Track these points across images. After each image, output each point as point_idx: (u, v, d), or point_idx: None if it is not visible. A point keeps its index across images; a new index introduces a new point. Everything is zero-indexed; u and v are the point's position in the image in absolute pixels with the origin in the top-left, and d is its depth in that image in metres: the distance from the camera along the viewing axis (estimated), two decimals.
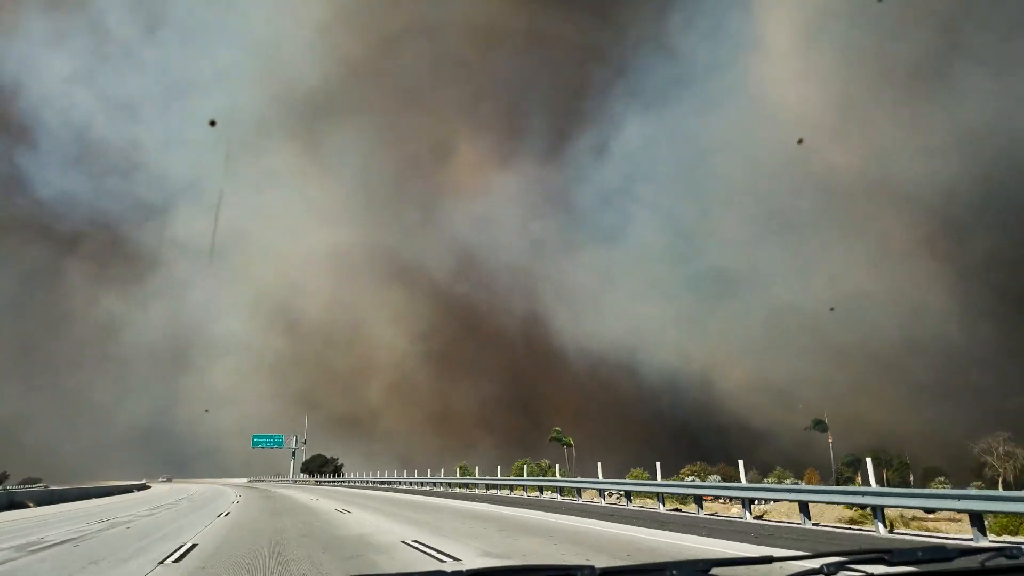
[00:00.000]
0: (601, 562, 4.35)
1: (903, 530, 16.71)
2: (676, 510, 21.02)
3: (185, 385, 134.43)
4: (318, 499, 30.86)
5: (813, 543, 11.32)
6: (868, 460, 15.78)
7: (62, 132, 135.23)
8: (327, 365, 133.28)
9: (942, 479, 68.03)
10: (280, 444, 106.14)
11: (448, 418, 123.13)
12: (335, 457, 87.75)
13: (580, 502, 25.37)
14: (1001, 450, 71.42)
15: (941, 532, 16.82)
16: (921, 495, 14.14)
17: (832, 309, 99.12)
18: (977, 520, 11.12)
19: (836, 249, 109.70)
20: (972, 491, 11.81)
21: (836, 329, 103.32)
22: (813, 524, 15.22)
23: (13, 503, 29.17)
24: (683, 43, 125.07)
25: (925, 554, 2.12)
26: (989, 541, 11.50)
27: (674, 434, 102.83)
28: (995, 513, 14.63)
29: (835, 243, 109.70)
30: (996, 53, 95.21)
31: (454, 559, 8.90)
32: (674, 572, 2.00)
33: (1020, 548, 2.16)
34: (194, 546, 11.39)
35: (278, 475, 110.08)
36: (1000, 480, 69.97)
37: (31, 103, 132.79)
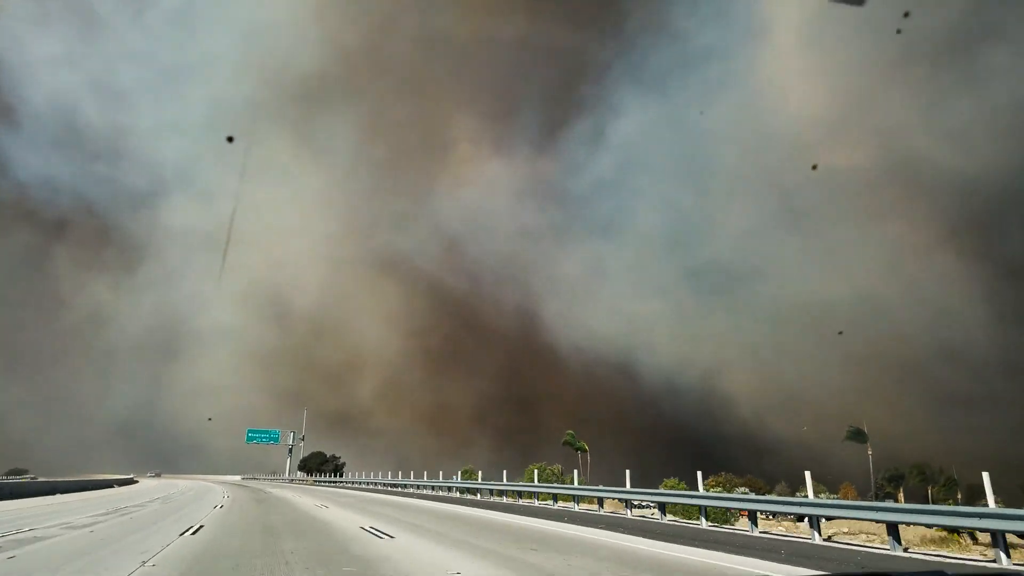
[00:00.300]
0: None
1: None
2: (715, 526, 18.88)
3: (174, 377, 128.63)
4: (326, 507, 24.28)
5: None
6: (985, 476, 12.05)
7: (46, 114, 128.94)
8: (318, 359, 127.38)
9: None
10: (276, 440, 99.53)
11: (442, 415, 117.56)
12: (336, 455, 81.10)
13: (603, 512, 22.88)
14: None
15: None
16: None
17: (840, 333, 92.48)
18: None
19: (851, 244, 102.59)
20: None
21: (854, 331, 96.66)
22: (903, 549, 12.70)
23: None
24: (687, 26, 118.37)
25: None
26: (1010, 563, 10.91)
27: (677, 440, 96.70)
28: None
29: (850, 237, 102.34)
30: None
31: None
32: None
33: (1019, 574, 3.55)
34: None
35: (274, 473, 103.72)
36: None
37: (13, 82, 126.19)
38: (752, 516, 16.96)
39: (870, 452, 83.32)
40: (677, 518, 21.43)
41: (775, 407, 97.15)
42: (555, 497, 27.25)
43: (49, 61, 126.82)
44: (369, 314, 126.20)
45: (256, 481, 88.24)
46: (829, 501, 15.89)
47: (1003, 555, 10.95)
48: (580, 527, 16.19)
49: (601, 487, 24.65)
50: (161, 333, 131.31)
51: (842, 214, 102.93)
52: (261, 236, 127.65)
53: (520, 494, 31.34)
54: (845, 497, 64.12)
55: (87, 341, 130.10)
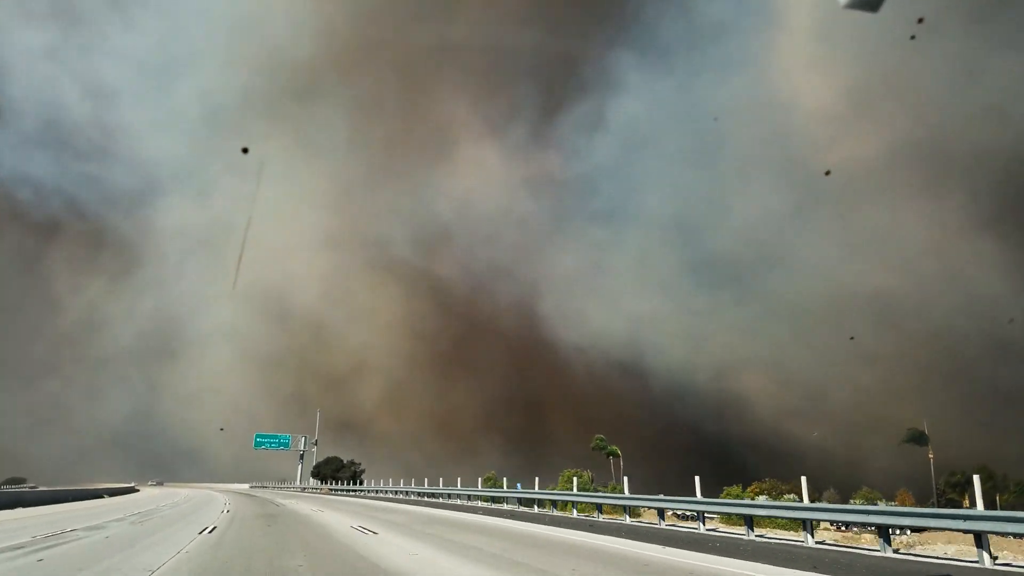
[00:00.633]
0: None
1: None
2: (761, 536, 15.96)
3: (172, 382, 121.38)
4: (369, 531, 16.44)
5: None
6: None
7: (30, 111, 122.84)
8: (318, 362, 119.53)
9: None
10: (287, 445, 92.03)
11: (446, 419, 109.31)
12: (355, 461, 73.43)
13: (663, 526, 19.85)
14: None
15: None
16: None
17: (852, 338, 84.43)
18: None
19: (880, 230, 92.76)
20: None
21: (886, 324, 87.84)
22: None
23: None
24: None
25: None
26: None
27: (693, 444, 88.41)
28: None
29: (879, 223, 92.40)
30: None
31: None
32: None
33: None
34: None
35: (283, 481, 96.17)
36: None
37: None
38: (889, 532, 13.38)
39: (931, 455, 75.32)
40: (763, 532, 17.78)
41: (796, 408, 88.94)
42: (599, 507, 24.40)
43: (32, 56, 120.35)
44: (370, 315, 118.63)
45: (265, 490, 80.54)
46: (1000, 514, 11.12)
47: None
48: (685, 552, 12.16)
49: (663, 496, 21.12)
50: (158, 337, 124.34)
51: (870, 197, 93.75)
52: (258, 234, 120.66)
53: (555, 504, 28.73)
54: (903, 504, 55.95)
55: (81, 346, 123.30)
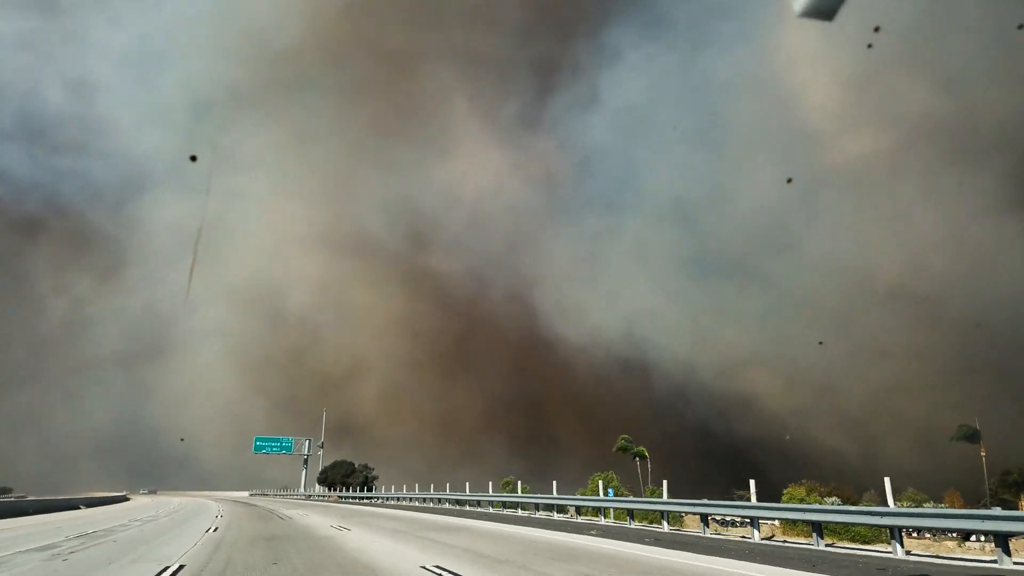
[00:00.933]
0: None
1: None
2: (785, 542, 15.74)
3: (161, 387, 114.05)
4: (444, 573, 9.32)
5: None
6: None
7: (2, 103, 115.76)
8: (313, 363, 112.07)
9: None
10: (289, 449, 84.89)
11: (446, 422, 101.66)
12: (367, 465, 65.81)
13: (711, 535, 17.48)
14: None
15: None
16: None
17: (821, 343, 78.92)
18: None
19: (901, 213, 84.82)
20: None
21: (907, 315, 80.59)
22: None
23: None
24: None
25: None
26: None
27: (703, 445, 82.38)
28: None
29: (900, 206, 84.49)
30: None
31: None
32: None
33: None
34: None
35: (286, 488, 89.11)
36: None
37: None
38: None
39: (983, 453, 68.36)
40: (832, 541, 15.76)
41: (805, 406, 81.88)
42: (631, 513, 22.21)
43: (6, 45, 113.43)
44: (364, 313, 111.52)
45: (266, 498, 73.39)
46: None
47: None
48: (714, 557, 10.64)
49: (708, 501, 19.08)
50: (145, 338, 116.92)
51: (886, 179, 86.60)
52: (249, 229, 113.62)
53: (579, 510, 27.24)
54: (952, 506, 49.03)
55: (64, 349, 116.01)
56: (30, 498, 47.99)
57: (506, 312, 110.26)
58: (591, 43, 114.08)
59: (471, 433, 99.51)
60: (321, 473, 70.33)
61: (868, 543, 15.95)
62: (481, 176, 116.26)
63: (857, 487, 46.46)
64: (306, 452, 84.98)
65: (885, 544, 14.10)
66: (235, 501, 56.88)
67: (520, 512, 29.31)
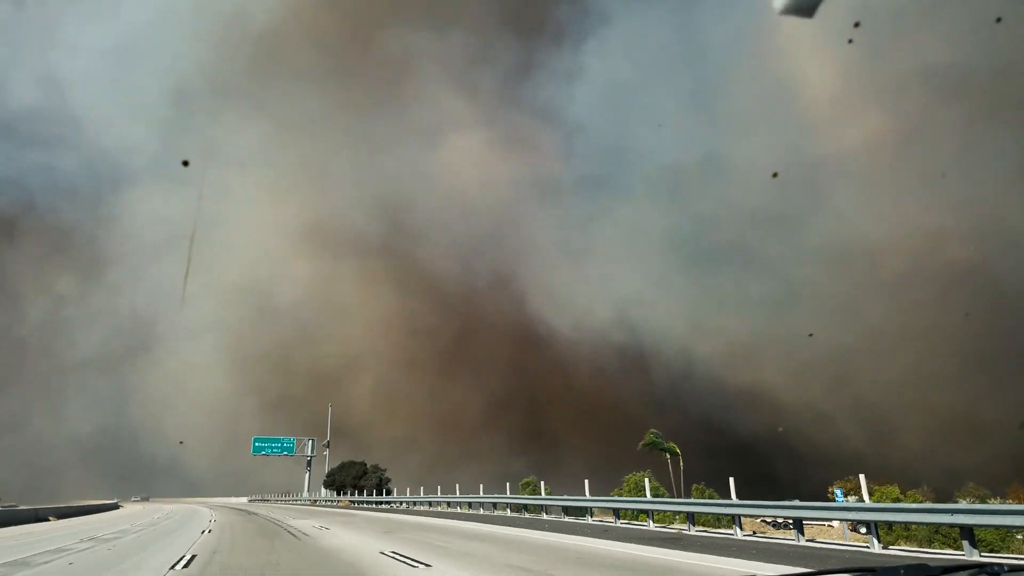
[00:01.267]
0: None
1: None
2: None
3: (148, 390, 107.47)
4: None
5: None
6: None
7: None
8: (303, 362, 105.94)
9: None
10: (291, 450, 77.83)
11: (446, 420, 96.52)
12: (379, 466, 58.25)
13: (788, 540, 15.34)
14: None
15: None
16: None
17: (811, 335, 74.15)
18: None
19: (923, 182, 77.65)
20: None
21: (935, 298, 73.84)
22: None
23: None
24: None
25: (908, 571, 2.12)
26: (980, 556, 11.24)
27: (712, 442, 76.54)
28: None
29: (922, 171, 77.32)
30: None
31: None
32: None
33: (1001, 565, 2.15)
34: None
35: (287, 493, 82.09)
36: None
37: None
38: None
39: None
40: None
41: (815, 401, 75.66)
42: (650, 514, 20.16)
43: None
44: (355, 309, 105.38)
45: (267, 504, 66.30)
46: None
47: None
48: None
49: (800, 503, 15.49)
50: (128, 340, 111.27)
51: (907, 145, 79.35)
52: (232, 226, 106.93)
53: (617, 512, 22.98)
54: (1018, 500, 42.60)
55: (42, 353, 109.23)
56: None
57: (497, 307, 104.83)
58: (576, 6, 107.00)
59: (468, 432, 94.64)
60: (328, 475, 63.10)
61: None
62: (466, 159, 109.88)
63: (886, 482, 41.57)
64: (309, 453, 77.92)
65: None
66: (232, 509, 49.91)
67: (545, 516, 26.88)
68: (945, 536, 23.11)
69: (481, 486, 33.86)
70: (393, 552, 11.86)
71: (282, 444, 77.47)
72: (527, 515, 28.27)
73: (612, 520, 22.01)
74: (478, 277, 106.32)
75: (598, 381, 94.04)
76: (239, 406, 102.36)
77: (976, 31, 64.48)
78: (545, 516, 26.75)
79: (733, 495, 16.98)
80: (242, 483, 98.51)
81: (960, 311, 68.28)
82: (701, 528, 19.09)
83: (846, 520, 17.46)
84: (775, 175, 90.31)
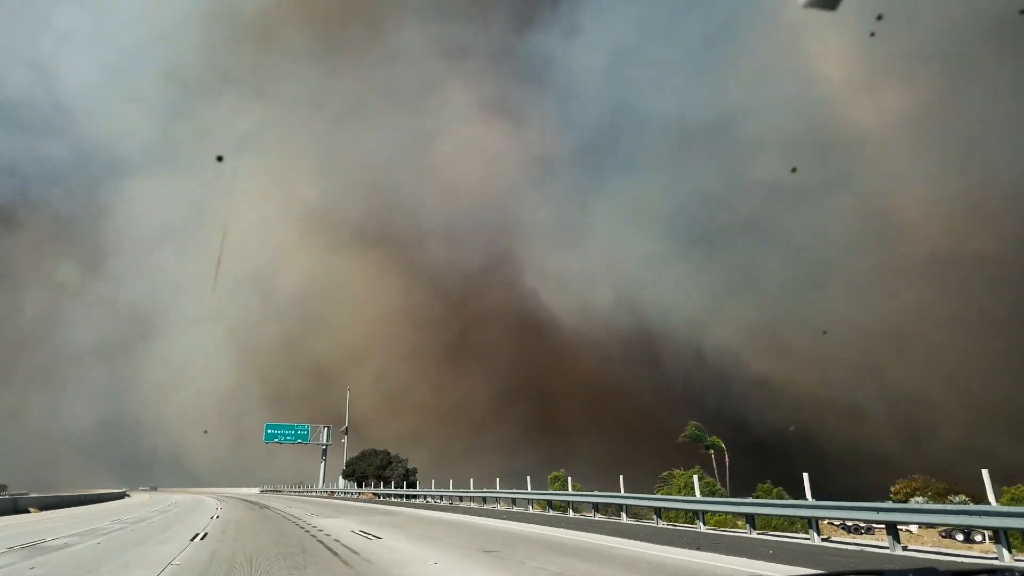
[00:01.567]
0: None
1: None
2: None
3: (155, 378, 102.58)
4: None
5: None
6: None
7: None
8: (304, 352, 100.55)
9: None
10: (305, 438, 72.37)
11: (450, 413, 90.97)
12: (400, 456, 52.20)
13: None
14: None
15: None
16: None
17: (825, 332, 68.51)
18: None
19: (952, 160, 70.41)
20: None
21: (956, 279, 66.87)
22: None
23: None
24: None
25: (916, 574, 2.08)
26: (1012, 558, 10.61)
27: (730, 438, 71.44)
28: None
29: (967, 140, 68.70)
30: None
31: None
32: None
33: (1012, 569, 2.16)
34: None
35: (300, 484, 76.87)
36: None
37: None
38: None
39: None
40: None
41: (832, 398, 69.04)
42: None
43: None
44: (352, 295, 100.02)
45: (279, 496, 60.98)
46: None
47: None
48: None
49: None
50: (129, 329, 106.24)
51: (945, 109, 71.12)
52: (236, 213, 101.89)
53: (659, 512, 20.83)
54: None
55: (42, 343, 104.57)
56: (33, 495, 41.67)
57: (497, 293, 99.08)
58: None
59: (475, 425, 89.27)
60: (347, 465, 57.34)
61: None
62: (461, 132, 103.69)
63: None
64: (324, 441, 72.47)
65: None
66: (243, 502, 44.53)
67: (571, 513, 25.14)
68: None
69: (498, 480, 30.34)
70: None
71: (296, 431, 72.05)
72: (552, 513, 25.95)
73: (655, 521, 20.27)
74: (477, 263, 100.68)
75: (606, 370, 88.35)
76: (243, 396, 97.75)
77: None
78: (571, 514, 24.72)
79: (808, 495, 14.69)
80: (249, 474, 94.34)
81: (1006, 293, 62.01)
82: (761, 532, 16.77)
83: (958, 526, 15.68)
84: (794, 170, 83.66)
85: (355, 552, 10.69)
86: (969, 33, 65.04)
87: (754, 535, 15.54)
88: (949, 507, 13.31)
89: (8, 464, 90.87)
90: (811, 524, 14.15)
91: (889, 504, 15.07)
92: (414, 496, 43.21)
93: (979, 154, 66.39)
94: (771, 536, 15.72)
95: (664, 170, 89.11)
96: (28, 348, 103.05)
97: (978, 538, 19.72)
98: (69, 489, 64.70)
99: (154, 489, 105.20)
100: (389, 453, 52.71)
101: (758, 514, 16.78)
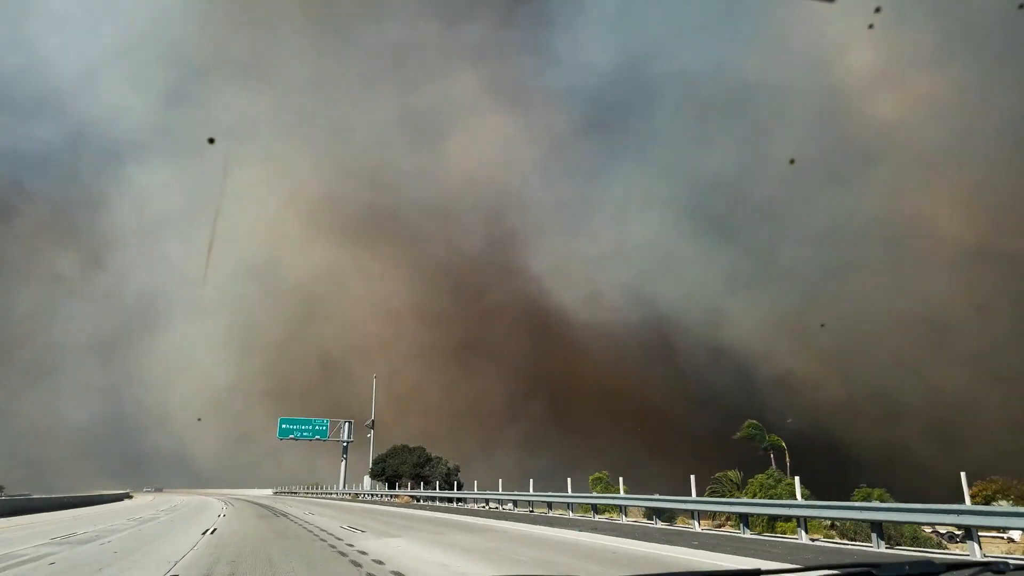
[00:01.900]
0: None
1: None
2: None
3: (152, 375, 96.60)
4: None
5: None
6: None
7: None
8: (313, 347, 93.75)
9: None
10: (324, 435, 65.07)
11: (462, 411, 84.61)
12: (441, 458, 43.87)
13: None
14: None
15: None
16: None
17: (823, 325, 64.26)
18: None
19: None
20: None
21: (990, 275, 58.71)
22: None
23: None
24: None
25: (913, 568, 2.07)
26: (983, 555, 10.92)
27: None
28: None
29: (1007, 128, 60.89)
30: None
31: None
32: None
33: (1006, 562, 2.10)
34: None
35: (316, 486, 69.81)
36: None
37: None
38: None
39: None
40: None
41: (849, 400, 62.25)
42: (747, 519, 16.83)
43: None
44: (362, 292, 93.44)
45: (295, 498, 53.74)
46: None
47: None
48: None
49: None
50: (128, 326, 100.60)
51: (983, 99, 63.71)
52: (233, 200, 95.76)
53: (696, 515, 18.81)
54: None
55: (36, 340, 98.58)
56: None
57: (505, 286, 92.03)
58: None
59: (488, 423, 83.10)
60: (376, 462, 49.28)
61: None
62: (467, 122, 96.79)
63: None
64: (345, 438, 65.09)
65: None
66: (253, 504, 37.33)
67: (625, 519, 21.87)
68: None
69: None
70: None
71: (313, 427, 64.75)
72: (597, 518, 23.21)
73: (742, 529, 16.74)
74: (483, 253, 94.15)
75: (620, 364, 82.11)
76: (247, 391, 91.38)
77: None
78: (624, 519, 22.08)
79: (968, 497, 12.45)
80: (258, 474, 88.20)
81: None
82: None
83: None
84: (792, 161, 76.67)
85: None
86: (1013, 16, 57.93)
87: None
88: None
89: (8, 464, 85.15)
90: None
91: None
92: (459, 499, 35.61)
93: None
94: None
95: (684, 144, 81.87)
96: (19, 343, 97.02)
97: None
98: (66, 491, 59.08)
99: (159, 490, 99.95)
100: (425, 450, 44.87)
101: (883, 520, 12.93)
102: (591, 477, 33.17)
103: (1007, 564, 2.04)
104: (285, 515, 24.23)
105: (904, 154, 68.29)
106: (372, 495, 47.52)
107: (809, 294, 70.75)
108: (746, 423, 47.89)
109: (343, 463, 63.22)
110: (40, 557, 10.74)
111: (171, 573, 8.63)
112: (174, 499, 53.87)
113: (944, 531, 29.95)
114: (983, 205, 63.02)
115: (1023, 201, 60.39)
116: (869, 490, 28.95)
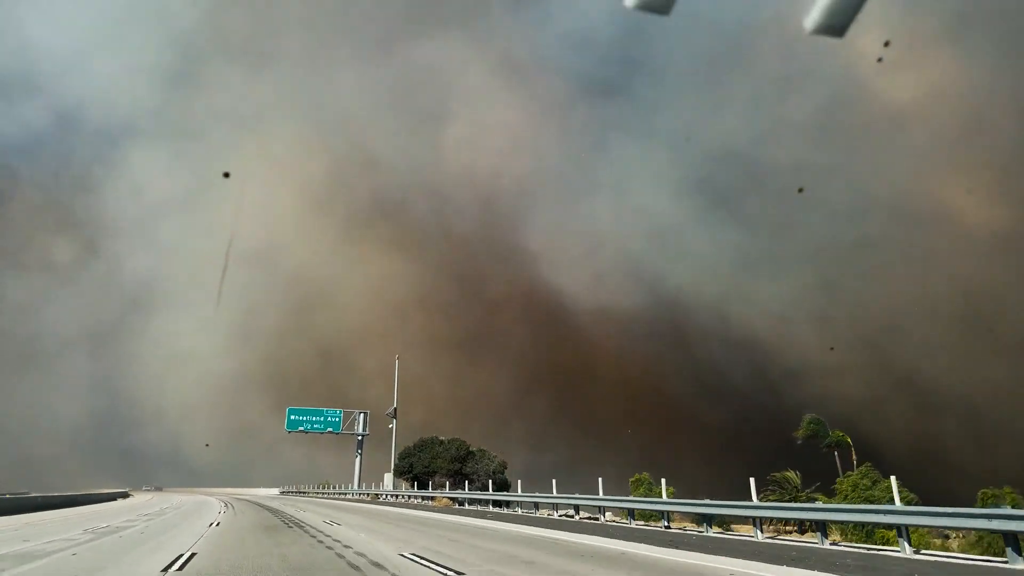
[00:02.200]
0: None
1: None
2: None
3: (146, 370, 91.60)
4: None
5: None
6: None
7: None
8: (314, 341, 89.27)
9: None
10: (336, 427, 58.96)
11: (454, 410, 78.70)
12: (485, 451, 37.42)
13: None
14: None
15: None
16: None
17: (832, 349, 61.82)
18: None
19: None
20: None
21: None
22: None
23: None
24: None
25: None
26: None
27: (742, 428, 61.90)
28: None
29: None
30: None
31: None
32: None
33: None
34: None
35: (327, 484, 64.00)
36: None
37: None
38: None
39: None
40: None
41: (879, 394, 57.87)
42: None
43: None
44: (360, 284, 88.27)
45: (306, 500, 47.75)
46: None
47: None
48: None
49: None
50: (121, 313, 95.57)
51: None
52: (232, 189, 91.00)
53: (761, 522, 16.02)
54: None
55: (24, 334, 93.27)
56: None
57: (509, 275, 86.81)
58: None
59: (494, 417, 77.72)
60: (403, 458, 42.50)
61: None
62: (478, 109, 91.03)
63: None
64: (360, 431, 58.98)
65: None
66: (257, 506, 31.44)
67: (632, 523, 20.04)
68: None
69: (554, 481, 24.25)
70: None
71: (325, 418, 58.66)
72: (634, 523, 20.11)
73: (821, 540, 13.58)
74: (485, 245, 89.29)
75: (631, 357, 77.90)
76: (247, 385, 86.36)
77: None
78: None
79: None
80: (259, 471, 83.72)
81: None
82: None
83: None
84: (800, 191, 71.90)
85: None
86: None
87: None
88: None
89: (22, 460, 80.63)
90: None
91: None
92: (507, 503, 29.35)
93: None
94: None
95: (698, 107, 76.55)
96: (7, 334, 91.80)
97: None
98: (63, 489, 54.07)
99: (159, 489, 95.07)
100: (464, 442, 38.35)
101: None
102: (632, 479, 30.25)
103: None
104: (300, 525, 18.14)
105: (934, 127, 63.65)
106: (396, 495, 41.35)
107: (830, 280, 66.40)
108: (806, 419, 42.35)
109: (358, 459, 57.06)
110: None
111: None
112: (171, 499, 49.23)
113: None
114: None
115: None
116: (996, 491, 23.50)
